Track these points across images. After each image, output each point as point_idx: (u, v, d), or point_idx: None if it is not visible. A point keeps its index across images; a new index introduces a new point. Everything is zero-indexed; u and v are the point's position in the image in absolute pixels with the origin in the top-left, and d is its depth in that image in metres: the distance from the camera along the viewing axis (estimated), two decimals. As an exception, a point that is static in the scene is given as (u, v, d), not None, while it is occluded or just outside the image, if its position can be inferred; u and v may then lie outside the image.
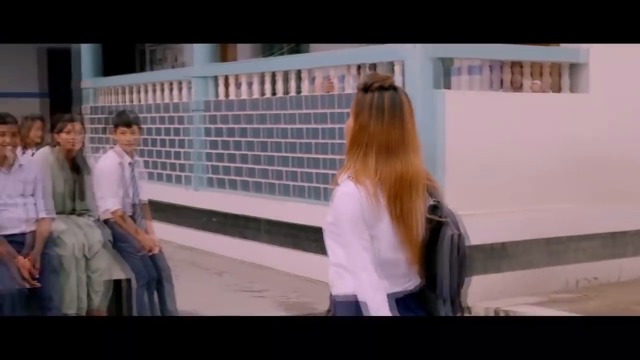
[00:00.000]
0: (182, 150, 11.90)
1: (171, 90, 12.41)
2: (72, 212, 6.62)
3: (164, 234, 7.08)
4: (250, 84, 10.66)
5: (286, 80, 10.06)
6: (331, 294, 3.25)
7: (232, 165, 10.73)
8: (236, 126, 10.64)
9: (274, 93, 10.32)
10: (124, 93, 13.91)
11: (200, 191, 11.34)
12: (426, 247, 3.17)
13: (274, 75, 10.28)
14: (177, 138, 12.02)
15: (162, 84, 12.70)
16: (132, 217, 6.65)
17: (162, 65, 18.39)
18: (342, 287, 3.17)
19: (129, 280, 6.69)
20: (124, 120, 6.68)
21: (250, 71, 10.57)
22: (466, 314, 3.43)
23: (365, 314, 3.09)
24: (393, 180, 3.07)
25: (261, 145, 10.17)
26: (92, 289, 6.43)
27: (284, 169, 9.74)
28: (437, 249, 3.15)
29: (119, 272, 6.66)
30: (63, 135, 6.53)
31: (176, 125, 12.04)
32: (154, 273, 6.54)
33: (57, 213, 6.39)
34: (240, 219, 10.42)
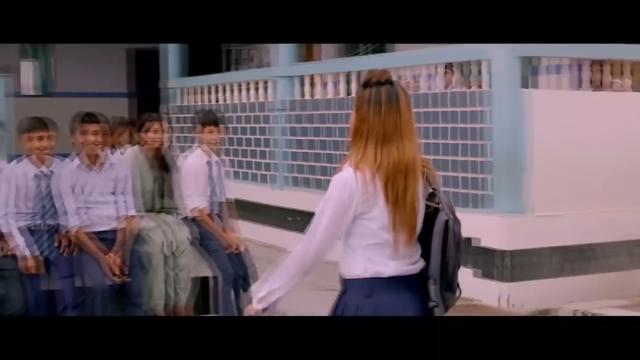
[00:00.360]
0: (266, 149, 12.00)
1: (256, 89, 12.51)
2: (160, 210, 6.70)
3: (248, 233, 7.14)
4: (335, 84, 10.68)
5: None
6: (342, 275, 3.48)
7: (317, 164, 10.77)
8: (321, 125, 10.67)
9: (349, 93, 10.33)
10: (209, 93, 14.08)
11: (285, 190, 11.41)
12: (423, 231, 3.38)
13: (359, 74, 10.29)
14: (261, 137, 12.12)
15: (247, 84, 12.82)
16: (218, 215, 6.72)
17: (247, 65, 18.57)
18: (354, 268, 3.41)
19: (215, 278, 6.77)
20: (211, 119, 6.76)
21: (335, 70, 10.59)
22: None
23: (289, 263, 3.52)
24: (390, 166, 3.29)
25: (336, 145, 10.18)
26: (178, 286, 6.52)
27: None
28: (432, 232, 3.35)
29: (206, 270, 6.73)
30: (149, 134, 6.64)
31: (261, 125, 12.14)
32: (240, 271, 6.60)
33: (145, 211, 6.49)
34: (320, 218, 10.44)
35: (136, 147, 6.91)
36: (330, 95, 10.64)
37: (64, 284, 6.00)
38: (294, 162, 11.28)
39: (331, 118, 10.45)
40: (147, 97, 17.31)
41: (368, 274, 3.37)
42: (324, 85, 10.86)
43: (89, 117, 6.07)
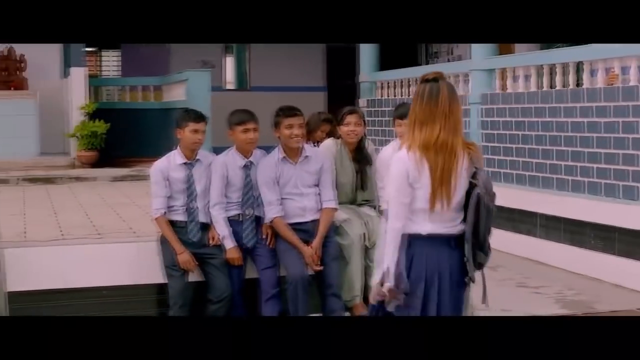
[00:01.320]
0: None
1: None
2: (354, 202, 6.78)
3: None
4: (527, 77, 10.52)
5: (565, 73, 9.84)
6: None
7: (507, 158, 10.64)
8: (513, 119, 10.53)
9: (551, 86, 10.13)
10: (400, 86, 14.17)
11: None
12: (465, 201, 4.20)
13: (552, 67, 10.08)
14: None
15: (439, 77, 12.81)
16: (410, 207, 6.75)
17: (437, 59, 18.53)
18: (412, 228, 4.20)
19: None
20: (402, 112, 6.80)
21: (529, 64, 10.43)
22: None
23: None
24: (431, 145, 4.12)
25: (538, 139, 10.01)
26: (370, 278, 6.59)
27: (561, 162, 9.54)
28: (468, 203, 4.17)
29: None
30: (344, 128, 6.73)
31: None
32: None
33: (340, 203, 6.60)
34: (515, 213, 10.31)
35: (331, 140, 6.99)
36: (522, 89, 10.48)
37: (266, 274, 6.20)
38: (485, 156, 11.18)
39: (523, 112, 10.29)
40: (341, 91, 17.61)
41: (408, 231, 4.19)
42: (516, 78, 10.70)
43: (292, 111, 6.23)
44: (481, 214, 4.16)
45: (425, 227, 4.20)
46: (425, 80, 4.22)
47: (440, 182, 4.13)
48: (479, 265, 4.31)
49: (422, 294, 4.22)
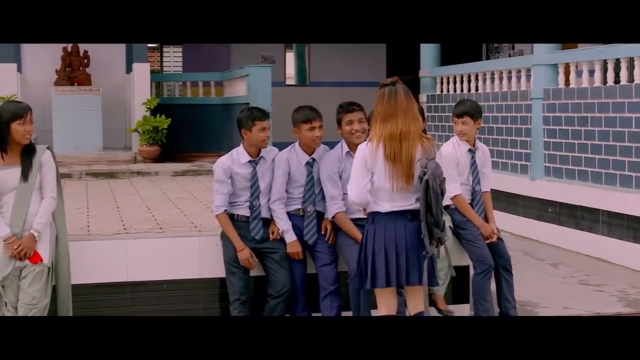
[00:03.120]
0: (518, 138, 11.85)
1: (509, 78, 12.38)
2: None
3: (501, 223, 7.09)
4: (591, 72, 10.38)
5: (630, 67, 9.69)
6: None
7: (570, 154, 10.52)
8: (576, 115, 10.41)
9: (616, 81, 9.98)
10: (461, 82, 14.08)
11: (537, 180, 11.23)
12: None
13: (617, 62, 9.93)
14: (513, 126, 11.98)
15: (500, 72, 12.70)
16: (471, 204, 6.72)
17: (498, 54, 18.37)
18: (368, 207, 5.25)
19: (467, 267, 6.79)
20: (457, 111, 6.76)
21: (592, 58, 10.29)
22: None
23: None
24: (388, 135, 5.05)
25: (602, 135, 9.88)
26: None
27: (625, 159, 9.40)
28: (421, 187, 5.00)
29: (460, 259, 6.76)
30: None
31: (513, 114, 12.00)
32: (492, 261, 6.58)
33: (399, 198, 6.59)
34: (577, 210, 10.19)
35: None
36: (585, 84, 10.35)
37: (324, 271, 6.20)
38: (547, 152, 11.06)
39: (587, 107, 10.16)
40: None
41: (371, 209, 5.22)
42: (579, 73, 10.57)
43: (352, 107, 6.21)
44: (430, 196, 4.95)
45: (384, 205, 5.13)
46: (384, 85, 5.17)
47: (400, 165, 5.03)
48: (439, 241, 5.10)
49: (384, 261, 5.08)
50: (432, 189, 4.96)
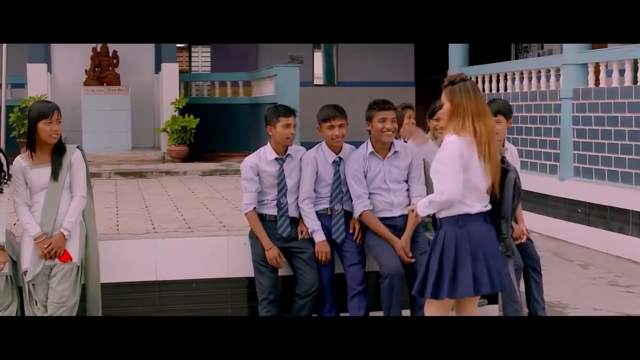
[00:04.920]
0: (547, 138, 11.78)
1: (538, 78, 12.32)
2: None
3: (529, 224, 7.05)
4: (621, 71, 10.31)
5: (661, 67, 9.63)
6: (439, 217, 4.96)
7: (600, 154, 10.44)
8: (606, 114, 10.34)
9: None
10: (490, 82, 14.02)
11: (566, 181, 11.16)
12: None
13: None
14: (542, 126, 11.92)
15: (529, 72, 12.64)
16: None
17: (527, 54, 18.28)
18: (449, 210, 4.86)
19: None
20: (490, 109, 6.69)
21: (623, 58, 10.21)
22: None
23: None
24: (484, 132, 4.76)
25: (632, 135, 9.80)
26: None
27: (656, 159, 9.34)
28: (504, 185, 4.93)
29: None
30: (433, 121, 6.69)
31: (542, 114, 11.94)
32: (521, 262, 6.54)
33: (426, 197, 6.57)
34: (607, 210, 10.12)
35: (422, 134, 6.99)
36: (615, 84, 10.27)
37: (352, 271, 6.18)
38: (576, 152, 10.99)
39: (617, 107, 10.08)
40: (430, 86, 17.50)
41: (459, 212, 4.84)
42: (609, 73, 10.50)
43: (387, 105, 6.18)
44: (516, 193, 4.96)
45: (476, 206, 4.84)
46: (460, 79, 4.84)
47: (491, 164, 4.82)
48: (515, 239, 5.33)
49: (471, 268, 4.76)
50: (518, 187, 4.98)
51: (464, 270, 4.77)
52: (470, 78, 5.02)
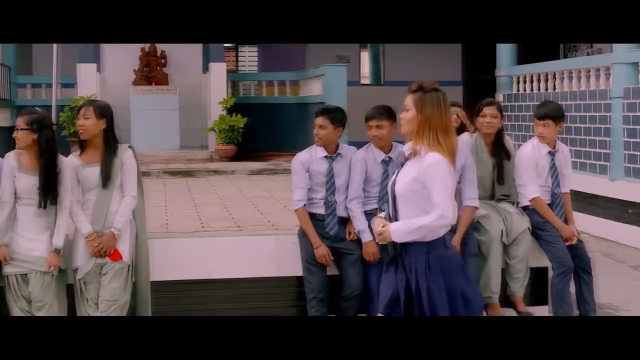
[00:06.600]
0: (597, 138, 11.66)
1: (588, 77, 12.18)
2: (492, 197, 6.67)
3: (579, 224, 6.98)
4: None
5: None
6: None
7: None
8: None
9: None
10: (539, 81, 13.90)
11: (616, 181, 11.02)
12: None
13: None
14: (592, 126, 11.78)
15: (578, 71, 12.51)
16: (550, 205, 6.62)
17: (576, 52, 18.10)
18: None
19: (546, 268, 6.70)
20: (539, 112, 6.65)
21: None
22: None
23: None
24: (452, 151, 4.41)
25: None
26: (509, 275, 6.50)
27: None
28: None
29: (539, 260, 6.67)
30: (480, 119, 6.65)
31: (592, 113, 11.81)
32: (571, 263, 6.48)
33: (485, 198, 6.45)
34: (659, 212, 10.01)
35: (467, 134, 6.95)
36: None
37: None
38: (627, 152, 10.86)
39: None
40: (478, 86, 17.41)
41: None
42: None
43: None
44: None
45: None
46: (433, 89, 4.45)
47: None
48: None
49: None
50: None
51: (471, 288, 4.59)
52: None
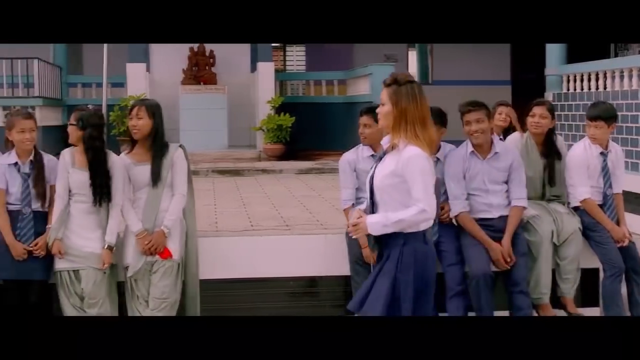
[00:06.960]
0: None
1: (639, 76, 12.02)
2: (542, 197, 6.62)
3: (631, 225, 6.89)
4: None
5: None
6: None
7: None
8: None
9: None
10: (589, 80, 13.73)
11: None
12: None
13: None
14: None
15: (630, 70, 12.34)
16: (602, 206, 6.55)
17: (626, 51, 17.87)
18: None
19: (597, 270, 6.63)
20: (591, 113, 6.57)
21: None
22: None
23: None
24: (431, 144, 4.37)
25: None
26: (559, 276, 6.44)
27: None
28: None
29: (589, 261, 6.60)
30: (529, 119, 6.60)
31: (645, 113, 11.64)
32: (623, 264, 6.40)
33: (535, 198, 6.45)
34: None
35: (517, 134, 6.91)
36: None
37: (451, 271, 6.13)
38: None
39: None
40: (526, 85, 17.26)
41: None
42: None
43: (467, 107, 6.10)
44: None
45: None
46: (408, 81, 4.38)
47: None
48: None
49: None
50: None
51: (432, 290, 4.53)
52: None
